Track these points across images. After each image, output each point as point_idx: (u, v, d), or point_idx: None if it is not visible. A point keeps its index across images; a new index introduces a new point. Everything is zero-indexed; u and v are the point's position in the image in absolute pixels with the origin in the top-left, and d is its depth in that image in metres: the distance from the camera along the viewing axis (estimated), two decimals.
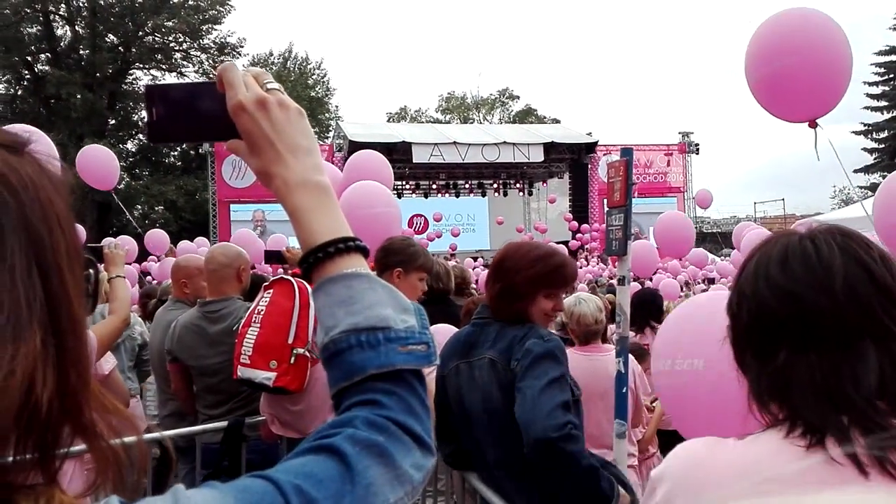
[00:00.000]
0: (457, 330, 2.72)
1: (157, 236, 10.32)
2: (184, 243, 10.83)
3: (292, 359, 2.62)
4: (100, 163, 6.48)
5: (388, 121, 46.38)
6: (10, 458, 0.57)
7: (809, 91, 2.88)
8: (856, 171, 36.45)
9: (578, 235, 19.00)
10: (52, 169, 0.64)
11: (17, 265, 0.56)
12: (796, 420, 0.92)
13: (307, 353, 2.67)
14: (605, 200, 2.96)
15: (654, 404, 4.15)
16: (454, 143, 22.66)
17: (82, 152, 6.55)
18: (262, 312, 2.74)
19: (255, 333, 2.71)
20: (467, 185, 25.37)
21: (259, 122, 0.82)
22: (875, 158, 35.45)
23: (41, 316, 0.57)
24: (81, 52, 31.69)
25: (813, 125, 2.98)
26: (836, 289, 0.94)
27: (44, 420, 0.57)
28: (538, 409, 1.99)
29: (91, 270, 0.70)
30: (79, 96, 29.45)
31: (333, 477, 0.65)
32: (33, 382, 0.55)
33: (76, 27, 31.49)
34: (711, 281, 12.66)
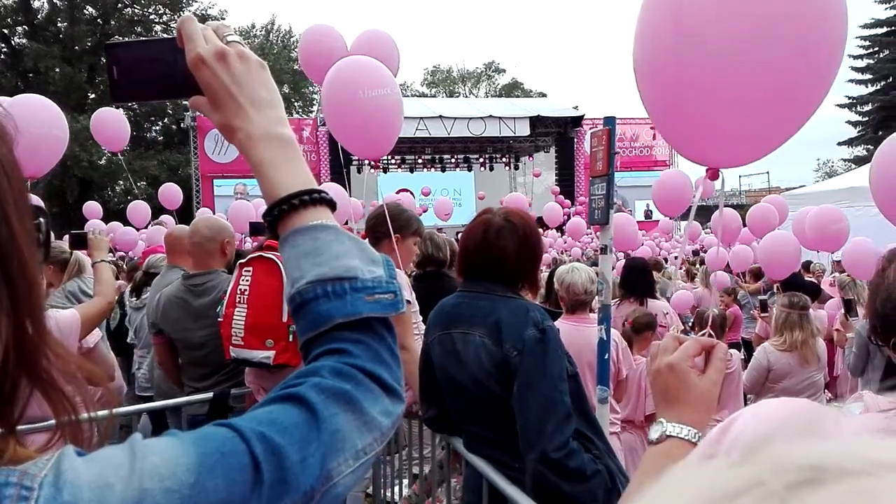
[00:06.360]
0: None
1: (140, 208, 10.42)
2: (165, 217, 10.80)
3: (290, 336, 2.61)
4: (111, 124, 6.83)
5: None
6: None
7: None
8: (840, 144, 36.70)
9: (565, 211, 18.91)
10: None
11: None
12: None
13: None
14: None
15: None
16: (440, 116, 22.52)
17: (96, 115, 6.92)
18: (246, 292, 2.72)
19: (244, 314, 2.69)
20: (453, 160, 25.25)
21: (219, 74, 0.81)
22: (859, 131, 35.63)
23: None
24: (59, 24, 30.99)
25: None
26: None
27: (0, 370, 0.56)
28: (541, 429, 1.95)
29: (41, 219, 0.69)
30: (57, 70, 28.88)
31: (298, 424, 0.65)
32: None
33: None
34: (696, 253, 12.83)
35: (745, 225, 7.69)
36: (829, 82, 1.63)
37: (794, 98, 1.61)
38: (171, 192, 10.78)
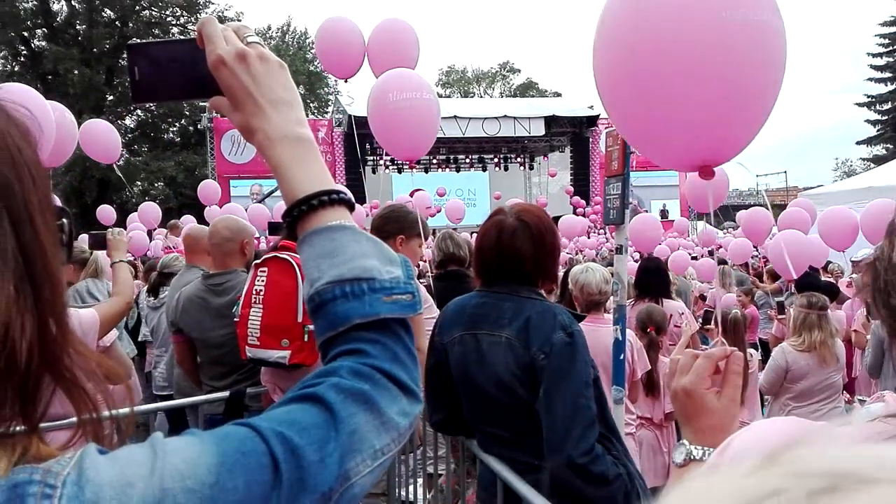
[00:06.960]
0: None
1: (149, 209, 10.51)
2: (187, 218, 10.89)
3: (305, 336, 2.62)
4: (102, 136, 6.56)
5: None
6: None
7: None
8: (858, 143, 36.31)
9: (578, 210, 18.87)
10: (20, 117, 0.62)
11: None
12: None
13: None
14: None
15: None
16: (454, 117, 22.49)
17: (84, 127, 6.54)
18: (261, 293, 2.73)
19: (259, 314, 2.71)
20: (468, 160, 25.25)
21: (239, 75, 0.81)
22: (878, 130, 35.23)
23: (14, 266, 0.57)
24: (78, 27, 31.35)
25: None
26: None
27: (23, 368, 0.56)
28: (567, 434, 1.95)
29: (64, 220, 0.69)
30: (76, 72, 29.20)
31: (317, 424, 0.65)
32: (9, 330, 0.55)
33: (72, 2, 31.12)
34: (711, 253, 12.75)
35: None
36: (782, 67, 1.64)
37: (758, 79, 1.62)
38: (209, 189, 10.95)
